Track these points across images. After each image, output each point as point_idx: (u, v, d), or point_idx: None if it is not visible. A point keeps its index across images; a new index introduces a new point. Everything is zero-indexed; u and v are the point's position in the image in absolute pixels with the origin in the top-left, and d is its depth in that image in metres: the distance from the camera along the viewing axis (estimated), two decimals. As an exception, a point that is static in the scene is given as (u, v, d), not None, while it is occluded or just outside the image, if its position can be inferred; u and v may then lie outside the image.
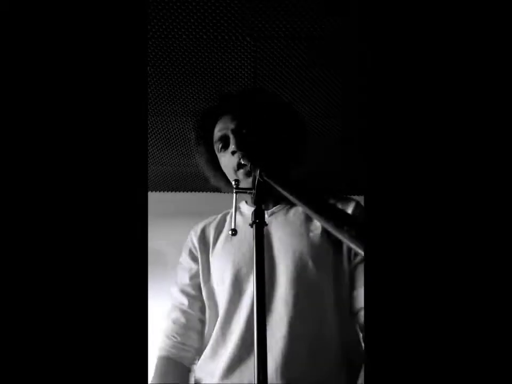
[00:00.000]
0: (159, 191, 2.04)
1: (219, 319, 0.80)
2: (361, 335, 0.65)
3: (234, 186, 0.66)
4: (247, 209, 0.94)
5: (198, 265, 0.90)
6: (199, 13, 0.84)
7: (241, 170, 0.83)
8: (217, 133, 0.88)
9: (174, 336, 0.85)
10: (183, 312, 0.87)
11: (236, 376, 0.69)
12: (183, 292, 0.90)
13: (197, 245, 0.93)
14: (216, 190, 2.04)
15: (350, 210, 0.80)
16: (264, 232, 0.78)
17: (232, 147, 0.83)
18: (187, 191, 2.04)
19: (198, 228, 0.97)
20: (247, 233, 0.83)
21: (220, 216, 0.99)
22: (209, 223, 0.97)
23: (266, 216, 0.83)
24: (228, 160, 0.86)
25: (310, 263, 0.73)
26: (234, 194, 0.66)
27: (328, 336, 0.69)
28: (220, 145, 0.87)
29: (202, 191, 2.05)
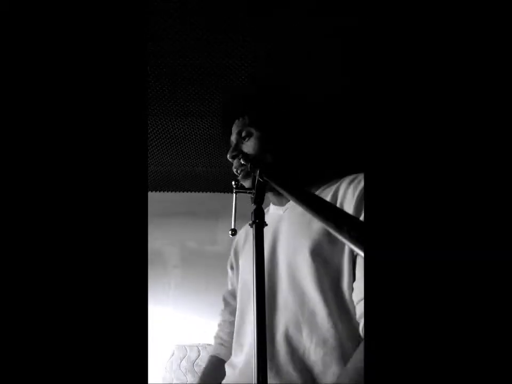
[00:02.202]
0: (159, 191, 2.04)
1: (236, 321, 0.84)
2: (361, 326, 0.65)
3: (234, 186, 0.67)
4: (274, 208, 0.92)
5: (234, 272, 1.00)
6: (199, 13, 0.85)
7: (240, 173, 0.86)
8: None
9: (218, 337, 0.98)
10: (222, 316, 1.01)
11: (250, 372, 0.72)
12: (223, 298, 1.02)
13: (232, 250, 1.03)
14: (216, 190, 2.05)
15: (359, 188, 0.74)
16: (275, 229, 0.81)
17: (228, 156, 0.88)
18: (187, 191, 2.04)
19: (238, 233, 1.00)
20: (268, 235, 0.83)
21: None
22: (244, 226, 1.01)
23: (281, 212, 0.86)
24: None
25: (308, 260, 0.71)
26: (234, 194, 0.66)
27: (326, 329, 0.68)
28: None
29: (202, 191, 2.05)
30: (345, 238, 0.33)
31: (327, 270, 0.70)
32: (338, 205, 0.74)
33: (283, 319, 0.71)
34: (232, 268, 1.02)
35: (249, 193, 0.64)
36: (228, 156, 0.88)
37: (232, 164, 0.88)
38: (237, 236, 1.01)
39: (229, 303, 1.00)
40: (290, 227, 0.80)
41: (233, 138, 0.91)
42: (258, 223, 0.54)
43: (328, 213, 0.39)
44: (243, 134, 0.88)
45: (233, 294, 0.99)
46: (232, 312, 0.95)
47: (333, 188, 0.78)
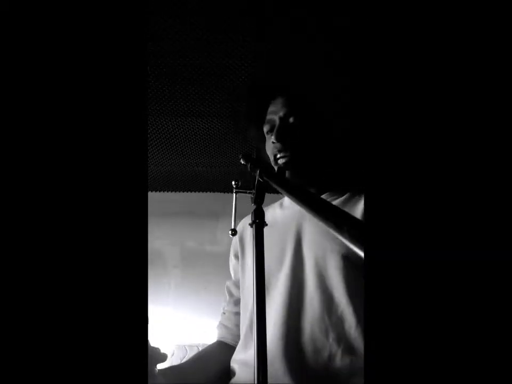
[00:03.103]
0: (159, 191, 2.04)
1: (248, 316, 0.81)
2: None
3: (234, 186, 0.67)
4: (289, 202, 0.88)
5: (238, 262, 0.94)
6: (199, 13, 0.84)
7: (277, 161, 0.81)
8: (268, 114, 0.85)
9: (222, 325, 0.94)
10: (226, 305, 0.97)
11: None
12: (227, 288, 0.98)
13: (238, 240, 0.96)
14: (216, 190, 2.04)
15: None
16: (299, 222, 0.79)
17: (272, 137, 0.81)
18: (187, 191, 2.04)
19: (241, 222, 0.96)
20: (282, 228, 0.81)
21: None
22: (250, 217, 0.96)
23: None
24: (269, 146, 0.84)
25: (334, 261, 0.70)
26: (234, 194, 0.66)
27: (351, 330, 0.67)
28: (267, 129, 0.85)
29: (202, 191, 2.05)
30: (345, 238, 0.33)
31: (357, 276, 0.68)
32: None
33: (309, 321, 0.69)
34: (236, 256, 0.96)
35: (249, 193, 0.64)
36: (274, 137, 0.79)
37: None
38: (241, 224, 0.95)
39: (233, 294, 0.96)
40: (317, 224, 0.76)
41: (276, 117, 0.82)
42: (258, 223, 0.54)
43: (328, 213, 0.39)
44: (291, 120, 0.80)
45: (237, 285, 0.94)
46: (237, 303, 0.92)
47: None
